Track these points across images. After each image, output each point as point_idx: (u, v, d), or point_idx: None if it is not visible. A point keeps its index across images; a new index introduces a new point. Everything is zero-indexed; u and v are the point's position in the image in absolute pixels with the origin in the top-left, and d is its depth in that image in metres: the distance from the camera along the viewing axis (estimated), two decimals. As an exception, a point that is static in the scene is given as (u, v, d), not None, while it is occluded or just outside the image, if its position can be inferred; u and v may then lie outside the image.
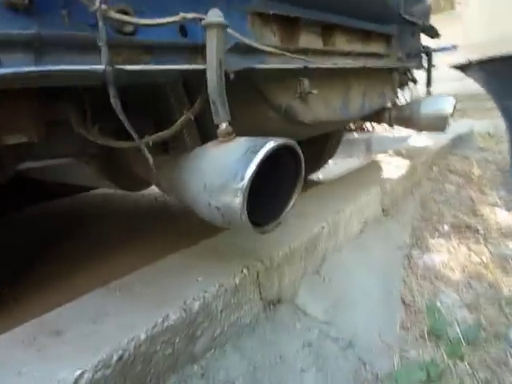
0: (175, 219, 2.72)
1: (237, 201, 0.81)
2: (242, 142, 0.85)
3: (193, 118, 0.98)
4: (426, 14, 2.31)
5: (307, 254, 1.53)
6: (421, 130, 2.61)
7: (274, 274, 1.35)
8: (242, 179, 0.79)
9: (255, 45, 1.07)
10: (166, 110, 1.08)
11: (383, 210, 2.18)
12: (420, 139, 3.75)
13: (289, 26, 1.29)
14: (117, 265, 1.95)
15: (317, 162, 3.21)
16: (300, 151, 0.90)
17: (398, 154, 3.02)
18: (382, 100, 2.00)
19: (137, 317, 1.05)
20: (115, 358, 0.90)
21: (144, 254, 2.03)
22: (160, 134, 0.94)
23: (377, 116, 2.37)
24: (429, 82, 2.40)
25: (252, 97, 1.18)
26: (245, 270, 1.28)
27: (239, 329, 1.24)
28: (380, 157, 2.97)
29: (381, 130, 5.16)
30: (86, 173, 1.18)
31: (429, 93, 2.39)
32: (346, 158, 4.42)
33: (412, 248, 2.06)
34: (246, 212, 0.81)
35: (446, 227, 2.29)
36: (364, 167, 2.70)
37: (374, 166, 2.69)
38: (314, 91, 1.26)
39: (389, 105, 2.42)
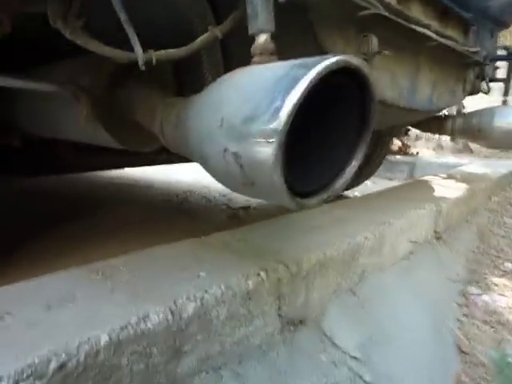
0: (192, 216, 2.44)
1: (268, 146, 0.50)
2: (284, 63, 0.55)
3: (220, 36, 0.69)
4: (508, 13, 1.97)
5: (344, 266, 1.19)
6: (491, 147, 2.23)
7: (301, 285, 1.03)
8: (280, 109, 0.49)
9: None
10: (183, 24, 0.80)
11: (435, 232, 1.81)
12: (474, 167, 3.35)
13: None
14: (114, 249, 1.67)
15: (356, 175, 2.86)
16: (371, 78, 0.58)
17: (452, 177, 2.64)
18: (451, 99, 1.66)
19: (105, 310, 0.75)
20: (53, 365, 0.60)
21: (149, 241, 1.73)
22: (170, 50, 0.65)
23: (437, 124, 2.02)
24: (507, 91, 2.04)
25: (302, 40, 0.89)
26: (262, 273, 0.96)
27: (244, 350, 0.92)
28: (431, 177, 2.60)
29: (426, 154, 4.76)
30: (75, 118, 0.91)
31: (505, 103, 2.03)
32: (385, 180, 4.05)
33: (469, 284, 1.68)
34: (280, 164, 0.51)
35: (510, 265, 1.89)
36: (414, 184, 2.34)
37: (426, 185, 2.32)
38: (386, 52, 0.95)
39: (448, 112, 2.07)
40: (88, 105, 0.84)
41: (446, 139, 5.69)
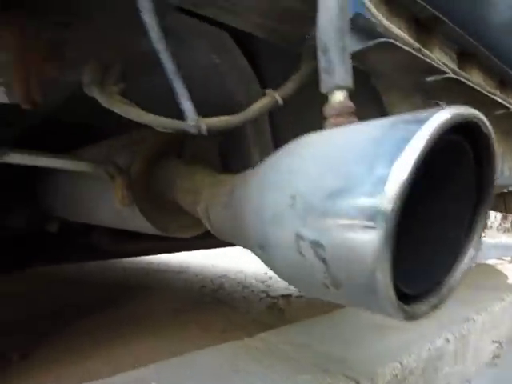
0: (229, 305, 2.23)
1: (368, 231, 0.35)
2: (375, 123, 0.41)
3: (280, 102, 0.58)
4: None
5: (425, 379, 0.94)
6: None
7: (377, 409, 0.79)
8: (385, 179, 0.34)
9: (386, 23, 0.68)
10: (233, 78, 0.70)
11: (520, 330, 1.51)
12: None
13: (421, 30, 0.92)
14: (144, 349, 1.48)
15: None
16: (492, 134, 0.43)
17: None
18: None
19: None
20: None
21: (183, 336, 1.53)
22: (224, 118, 0.54)
23: (502, 202, 1.82)
24: None
25: (367, 108, 0.77)
26: (328, 393, 0.75)
27: None
28: (495, 261, 2.33)
29: (489, 234, 4.43)
30: (110, 202, 0.80)
31: None
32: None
33: None
34: (387, 259, 0.35)
35: None
36: (480, 268, 2.07)
37: (493, 269, 2.05)
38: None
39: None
40: (124, 186, 0.73)
41: (490, 219, 5.35)
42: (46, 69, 0.52)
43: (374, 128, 0.40)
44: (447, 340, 1.04)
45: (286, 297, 2.36)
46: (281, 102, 0.58)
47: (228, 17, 0.52)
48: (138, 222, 0.81)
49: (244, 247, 0.59)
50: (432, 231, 0.47)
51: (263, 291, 2.51)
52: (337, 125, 0.46)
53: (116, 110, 0.53)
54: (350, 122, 0.47)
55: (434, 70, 0.81)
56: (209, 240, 2.17)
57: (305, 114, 0.96)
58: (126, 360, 1.33)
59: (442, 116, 0.37)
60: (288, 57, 0.92)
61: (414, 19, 0.92)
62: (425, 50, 0.78)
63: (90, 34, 0.55)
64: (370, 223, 0.35)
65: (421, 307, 0.43)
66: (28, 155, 0.66)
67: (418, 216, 0.47)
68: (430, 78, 0.83)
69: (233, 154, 0.96)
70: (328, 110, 0.47)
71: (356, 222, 0.36)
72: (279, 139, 0.94)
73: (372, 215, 0.35)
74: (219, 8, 0.50)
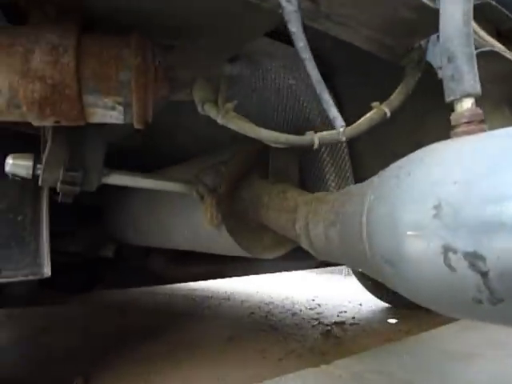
0: (281, 332, 2.17)
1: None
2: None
3: (388, 114, 0.57)
4: None
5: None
6: None
7: None
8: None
9: (482, 34, 0.67)
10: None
11: None
12: None
13: (503, 42, 0.89)
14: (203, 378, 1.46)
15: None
16: None
17: None
18: None
19: None
20: None
21: (244, 364, 1.49)
22: (333, 131, 0.53)
23: None
24: None
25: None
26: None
27: None
28: None
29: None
30: (193, 223, 0.80)
31: None
32: None
33: None
34: None
35: None
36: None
37: None
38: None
39: None
40: (213, 206, 0.73)
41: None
42: (160, 90, 0.54)
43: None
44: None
45: (340, 324, 2.28)
46: (389, 114, 0.57)
47: (339, 31, 0.52)
48: (222, 243, 0.81)
49: (353, 266, 0.57)
50: None
51: (314, 318, 2.44)
52: (468, 133, 0.45)
53: (232, 127, 0.54)
54: (481, 130, 0.45)
55: (528, 81, 0.78)
56: (260, 265, 2.14)
57: (384, 140, 0.95)
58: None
59: None
60: (362, 73, 0.92)
61: (496, 31, 0.91)
62: (520, 61, 0.75)
63: (197, 55, 0.57)
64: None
65: None
66: (125, 176, 0.68)
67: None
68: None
69: (307, 177, 0.95)
70: (457, 117, 0.46)
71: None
72: (358, 165, 0.92)
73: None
74: (334, 23, 0.50)
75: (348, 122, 0.58)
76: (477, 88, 0.46)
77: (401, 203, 0.44)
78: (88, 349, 1.86)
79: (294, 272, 3.26)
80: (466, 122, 0.45)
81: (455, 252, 0.38)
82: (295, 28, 0.44)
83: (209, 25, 0.57)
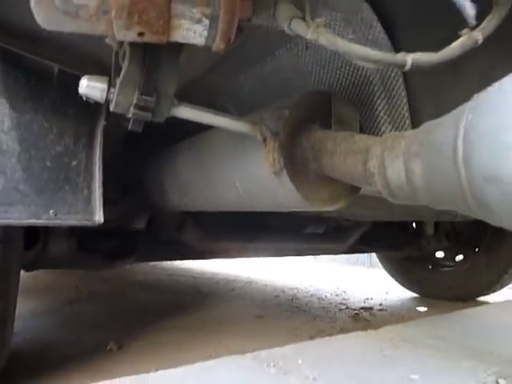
0: (309, 314, 2.15)
1: None
2: None
3: (481, 40, 0.53)
4: None
5: None
6: None
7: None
8: None
9: None
10: None
11: None
12: None
13: None
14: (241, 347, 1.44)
15: (495, 278, 2.39)
16: None
17: None
18: None
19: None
20: None
21: (271, 345, 1.46)
22: (428, 54, 0.50)
23: None
24: None
25: None
26: (501, 381, 0.66)
27: None
28: None
29: None
30: (254, 169, 0.78)
31: None
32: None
33: None
34: None
35: None
36: None
37: None
38: None
39: None
40: (275, 149, 0.72)
41: None
42: (245, 7, 0.52)
43: None
44: None
45: (368, 309, 2.24)
46: (481, 40, 0.54)
47: None
48: (282, 193, 0.79)
49: (439, 202, 0.54)
50: None
51: (341, 303, 2.41)
52: None
53: (322, 42, 0.51)
54: None
55: None
56: (289, 247, 2.11)
57: (443, 84, 0.91)
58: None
59: None
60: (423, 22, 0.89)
61: None
62: None
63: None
64: None
65: None
66: (194, 109, 0.66)
67: None
68: None
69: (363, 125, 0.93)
70: None
71: None
72: (416, 111, 0.89)
73: None
74: None
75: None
76: None
77: (508, 116, 0.41)
78: (120, 321, 1.88)
79: (316, 263, 3.23)
80: None
81: None
82: None
83: None
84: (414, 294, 2.63)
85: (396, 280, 2.70)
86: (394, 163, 0.59)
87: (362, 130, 0.88)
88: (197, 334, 1.65)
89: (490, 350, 0.82)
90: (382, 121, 0.93)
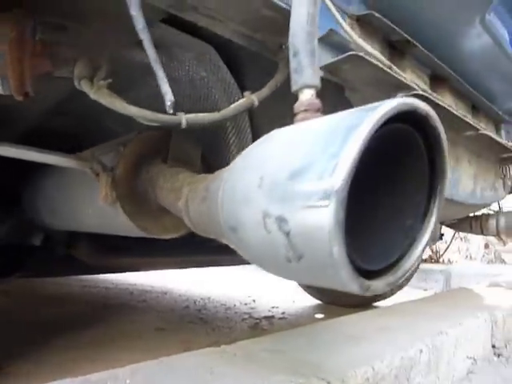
0: (210, 325, 2.21)
1: (324, 205, 0.39)
2: (337, 114, 0.46)
3: (256, 103, 0.63)
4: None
5: (397, 387, 0.96)
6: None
7: (348, 410, 0.81)
8: (337, 157, 0.38)
9: (358, 40, 0.75)
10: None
11: (494, 347, 1.54)
12: (517, 276, 3.07)
13: (393, 53, 0.99)
14: (122, 361, 1.46)
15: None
16: (440, 127, 0.48)
17: (498, 285, 2.39)
18: (494, 195, 1.55)
19: None
20: None
21: (160, 353, 1.50)
22: (202, 114, 0.58)
23: (479, 223, 1.88)
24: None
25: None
26: (299, 393, 0.76)
27: None
28: (474, 286, 2.37)
29: (460, 261, 4.48)
30: (93, 200, 0.83)
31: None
32: (419, 290, 3.74)
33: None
34: (340, 229, 0.38)
35: None
36: (458, 292, 2.11)
37: (471, 293, 2.09)
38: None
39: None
40: (107, 184, 0.76)
41: (473, 249, 5.42)
42: (39, 64, 0.57)
43: (332, 119, 0.45)
44: (420, 350, 1.06)
45: (269, 318, 2.35)
46: (256, 103, 0.63)
47: (208, 23, 0.57)
48: (120, 223, 0.84)
49: (218, 237, 0.62)
50: (391, 219, 0.51)
51: (246, 313, 2.50)
52: (304, 119, 0.51)
53: (103, 102, 0.57)
54: (316, 117, 0.52)
55: (404, 87, 0.87)
56: (194, 259, 2.16)
57: (283, 118, 1.03)
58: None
59: (389, 104, 0.42)
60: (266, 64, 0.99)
61: (387, 42, 1.00)
62: (395, 68, 0.84)
63: (83, 36, 0.60)
64: (325, 201, 0.39)
65: (378, 283, 0.46)
66: (16, 149, 0.69)
67: (379, 205, 0.51)
68: (399, 94, 0.89)
69: (215, 159, 1.01)
70: (297, 106, 0.52)
71: (315, 198, 0.40)
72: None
73: (327, 191, 0.39)
74: (202, 15, 0.55)
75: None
76: (316, 81, 0.53)
77: (239, 176, 0.49)
78: (5, 338, 1.81)
79: (232, 268, 3.32)
80: (303, 110, 0.52)
81: (270, 217, 0.44)
82: (135, 12, 0.49)
83: (99, 9, 0.60)
84: (319, 302, 2.80)
85: (301, 287, 2.86)
86: (193, 204, 0.66)
87: (209, 165, 0.96)
88: (88, 351, 1.64)
89: (319, 363, 0.92)
90: (233, 147, 1.02)
